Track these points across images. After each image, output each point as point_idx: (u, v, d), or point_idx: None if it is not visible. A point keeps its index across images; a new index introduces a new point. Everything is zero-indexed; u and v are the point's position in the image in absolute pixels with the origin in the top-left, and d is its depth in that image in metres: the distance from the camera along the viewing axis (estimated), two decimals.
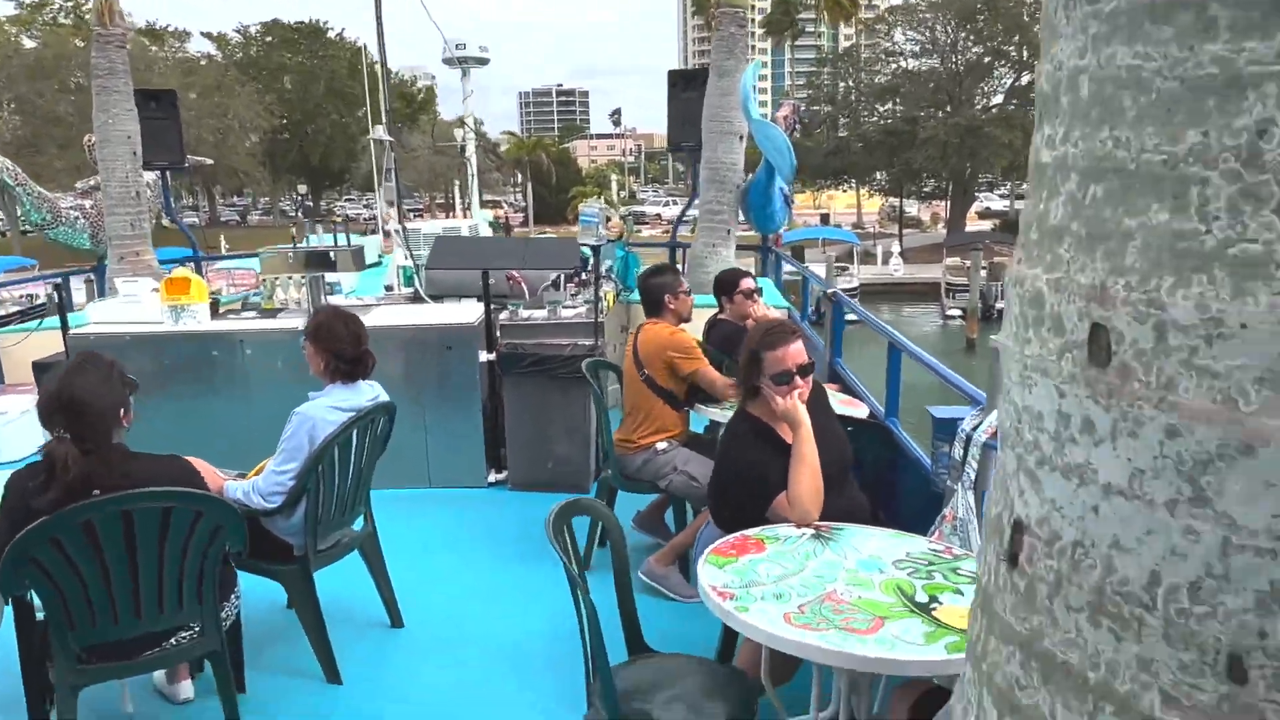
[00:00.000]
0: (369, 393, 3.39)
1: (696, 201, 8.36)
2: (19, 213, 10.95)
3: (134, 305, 5.40)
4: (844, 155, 39.70)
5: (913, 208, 58.19)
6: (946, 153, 34.28)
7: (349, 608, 3.77)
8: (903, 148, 36.27)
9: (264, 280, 6.07)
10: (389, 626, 3.70)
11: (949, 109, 36.44)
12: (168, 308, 5.26)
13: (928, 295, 34.39)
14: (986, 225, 48.10)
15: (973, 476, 2.92)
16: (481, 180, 13.61)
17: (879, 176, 39.70)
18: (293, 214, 55.45)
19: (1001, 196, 56.20)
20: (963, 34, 37.09)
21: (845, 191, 53.22)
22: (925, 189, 42.35)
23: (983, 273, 31.59)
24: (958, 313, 29.54)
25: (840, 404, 4.12)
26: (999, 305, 28.14)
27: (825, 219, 55.41)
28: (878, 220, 56.52)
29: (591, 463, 5.14)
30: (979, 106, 36.59)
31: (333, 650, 3.31)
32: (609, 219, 9.46)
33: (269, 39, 51.15)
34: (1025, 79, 36.20)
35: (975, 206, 48.30)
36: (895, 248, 36.08)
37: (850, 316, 5.64)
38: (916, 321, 30.08)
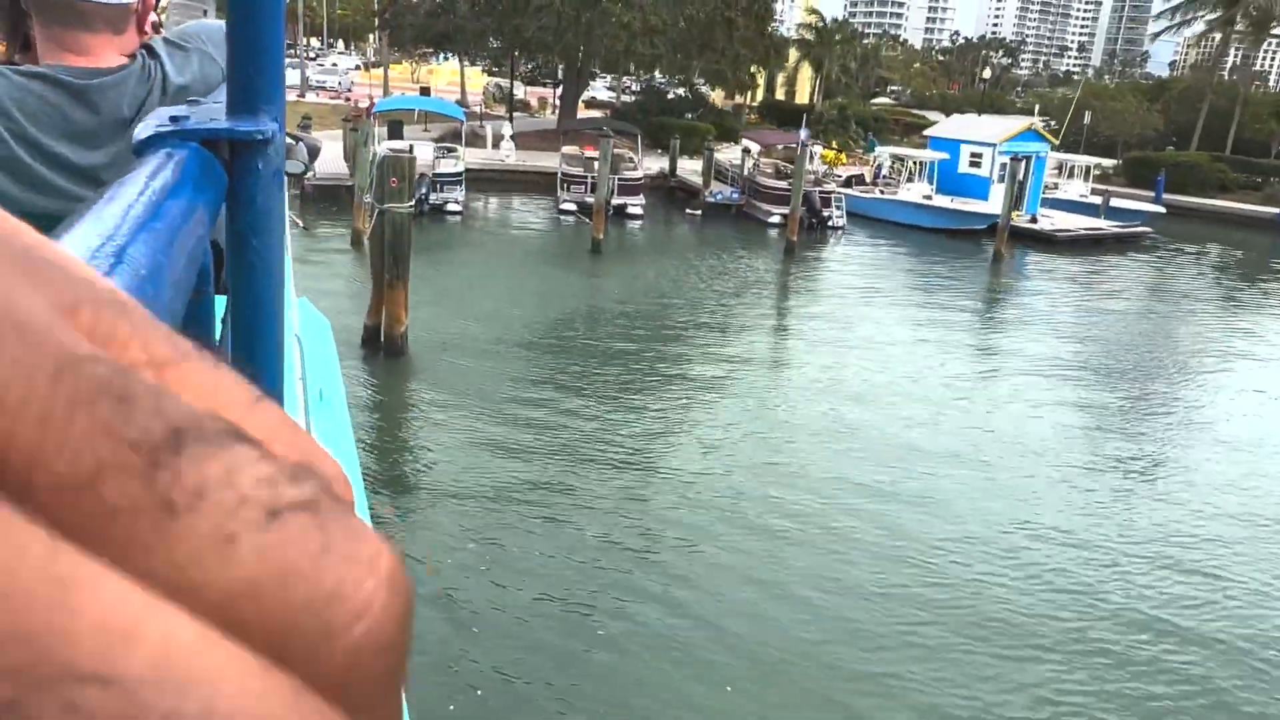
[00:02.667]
0: None
1: None
2: None
3: None
4: (449, 18, 34.53)
5: (519, 91, 54.57)
6: (561, 24, 30.72)
7: None
8: (515, 14, 32.08)
9: None
10: None
11: None
12: None
13: (541, 186, 31.19)
14: (596, 114, 46.01)
15: None
16: None
17: (491, 45, 35.22)
18: None
19: (608, 88, 54.59)
20: None
21: (447, 61, 47.79)
22: (534, 67, 38.74)
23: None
24: (572, 207, 26.64)
25: None
26: (621, 202, 25.64)
27: (426, 93, 49.79)
28: (483, 100, 52.10)
29: None
30: None
31: None
32: None
33: None
34: None
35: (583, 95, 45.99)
36: (506, 130, 32.28)
37: None
38: (527, 217, 26.69)
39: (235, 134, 0.78)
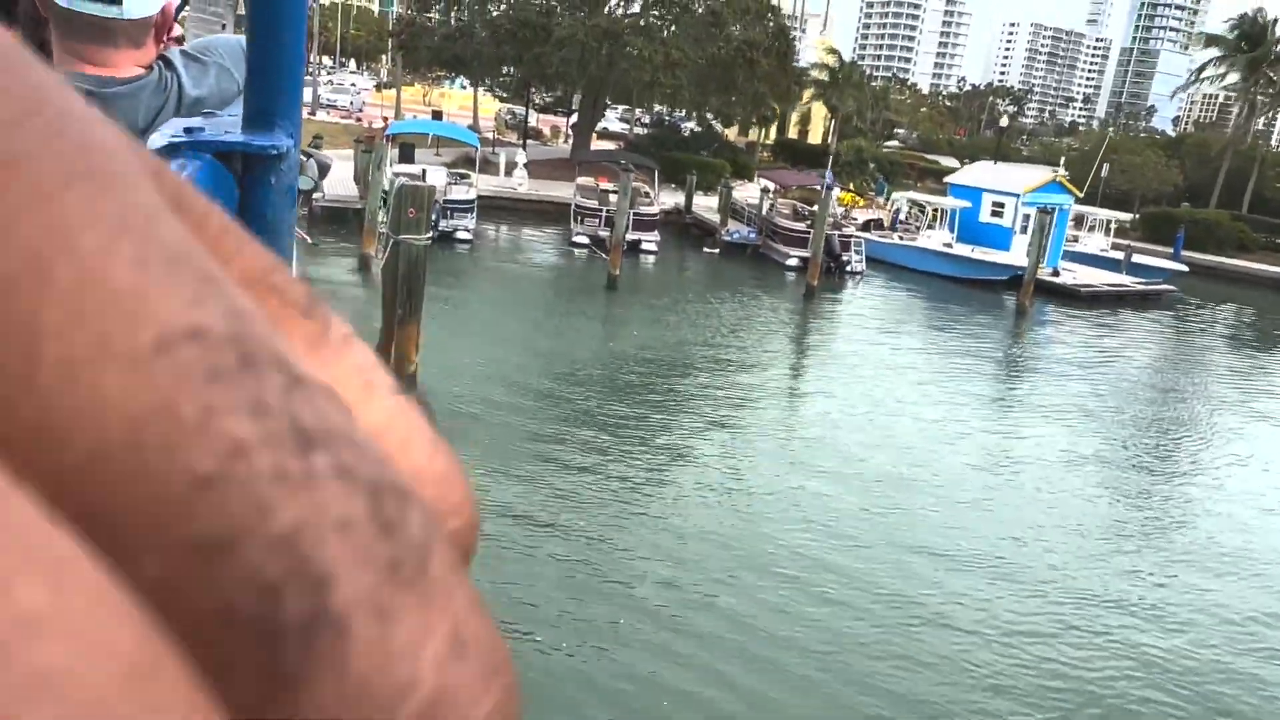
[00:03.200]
0: None
1: None
2: None
3: None
4: (467, 42, 34.09)
5: (531, 119, 54.21)
6: (585, 56, 30.24)
7: None
8: (536, 43, 31.61)
9: None
10: None
11: (585, 10, 32.35)
12: None
13: (553, 217, 30.57)
14: (609, 146, 45.56)
15: None
16: None
17: (507, 73, 34.72)
18: None
19: (620, 119, 54.26)
20: None
21: (464, 89, 47.41)
22: (553, 97, 38.27)
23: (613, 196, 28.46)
24: (585, 240, 25.96)
25: None
26: (636, 238, 24.98)
27: (439, 117, 49.38)
28: (494, 127, 51.71)
29: None
30: (618, 11, 32.95)
31: None
32: None
33: None
34: None
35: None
36: (520, 158, 31.67)
37: None
38: (539, 248, 26.01)
39: (250, 148, 0.78)
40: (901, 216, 31.86)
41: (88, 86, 1.67)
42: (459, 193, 25.20)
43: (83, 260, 0.12)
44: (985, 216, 29.61)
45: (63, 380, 0.11)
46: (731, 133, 43.86)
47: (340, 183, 27.48)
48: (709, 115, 37.73)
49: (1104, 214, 32.26)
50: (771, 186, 30.50)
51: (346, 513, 0.13)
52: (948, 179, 33.85)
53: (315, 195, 24.61)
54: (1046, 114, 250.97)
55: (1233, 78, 45.29)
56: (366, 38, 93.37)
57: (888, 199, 24.50)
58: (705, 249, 28.20)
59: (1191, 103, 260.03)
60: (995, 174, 31.67)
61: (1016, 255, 28.61)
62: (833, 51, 52.49)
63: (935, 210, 29.44)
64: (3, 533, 0.10)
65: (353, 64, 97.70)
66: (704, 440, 12.56)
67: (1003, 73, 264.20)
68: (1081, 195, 31.18)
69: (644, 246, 25.39)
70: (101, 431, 0.12)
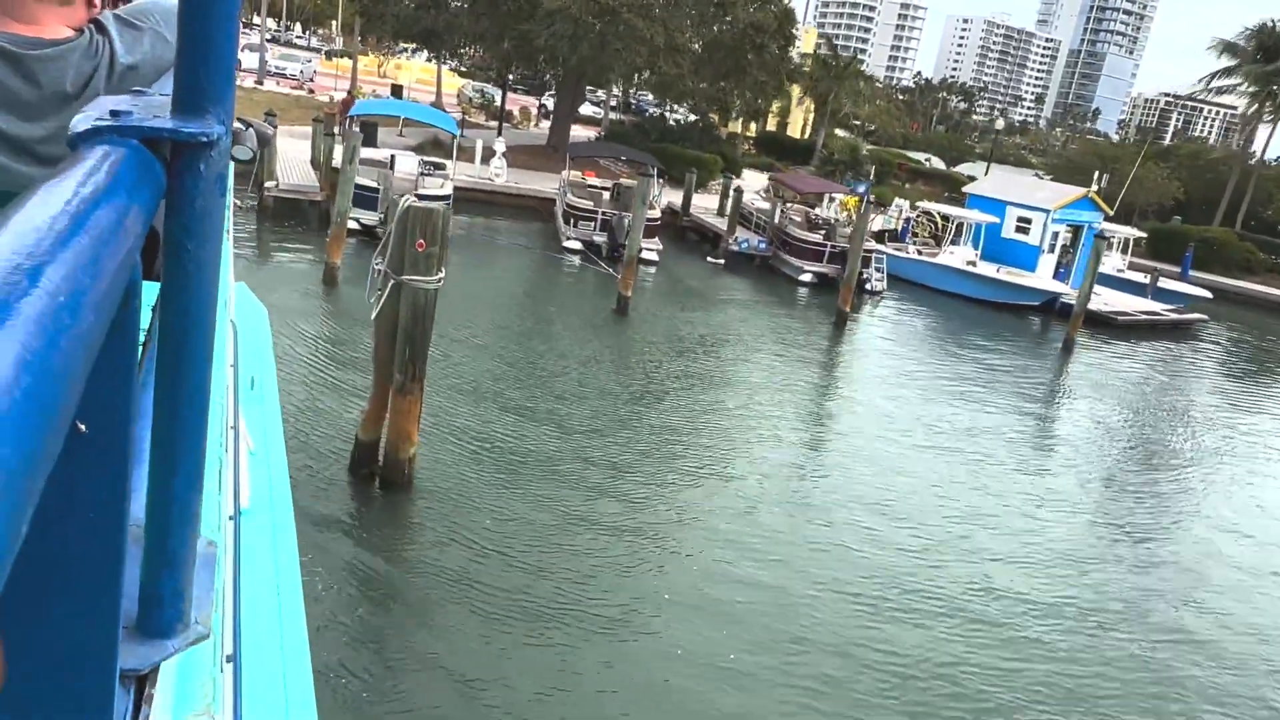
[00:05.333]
0: None
1: None
2: None
3: None
4: (442, 12, 30.40)
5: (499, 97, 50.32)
6: (578, 33, 26.85)
7: None
8: (521, 17, 28.11)
9: None
10: None
11: None
12: None
13: (534, 212, 27.26)
14: (587, 133, 42.13)
15: None
16: None
17: (492, 49, 31.06)
18: None
19: (594, 103, 50.72)
20: None
21: (429, 62, 43.45)
22: (530, 77, 34.74)
23: (604, 194, 25.25)
24: (578, 246, 22.77)
25: None
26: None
27: (398, 92, 45.35)
28: (460, 106, 47.80)
29: None
30: None
31: None
32: None
33: None
34: None
35: None
36: (499, 145, 28.21)
37: None
38: (526, 254, 22.67)
39: (179, 135, 0.75)
40: (910, 226, 29.25)
41: (13, 47, 1.60)
42: (432, 186, 21.77)
43: None
44: (1009, 232, 27.14)
45: None
46: (736, 125, 40.72)
47: (294, 165, 23.80)
48: (705, 105, 34.50)
49: (1125, 231, 30.04)
50: (758, 184, 27.65)
51: None
52: (966, 189, 31.29)
53: (268, 185, 21.00)
54: (997, 112, 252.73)
55: (1238, 86, 43.56)
56: (315, 1, 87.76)
57: (864, 203, 21.76)
58: (709, 259, 25.19)
59: (1134, 107, 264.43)
60: (1021, 187, 29.23)
61: (1045, 277, 26.25)
62: (829, 42, 49.67)
63: (951, 222, 26.83)
64: None
65: (299, 28, 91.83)
66: (742, 487, 9.68)
67: (954, 69, 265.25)
68: (1112, 212, 28.88)
69: (644, 255, 22.15)
70: None
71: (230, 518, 1.76)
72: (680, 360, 15.57)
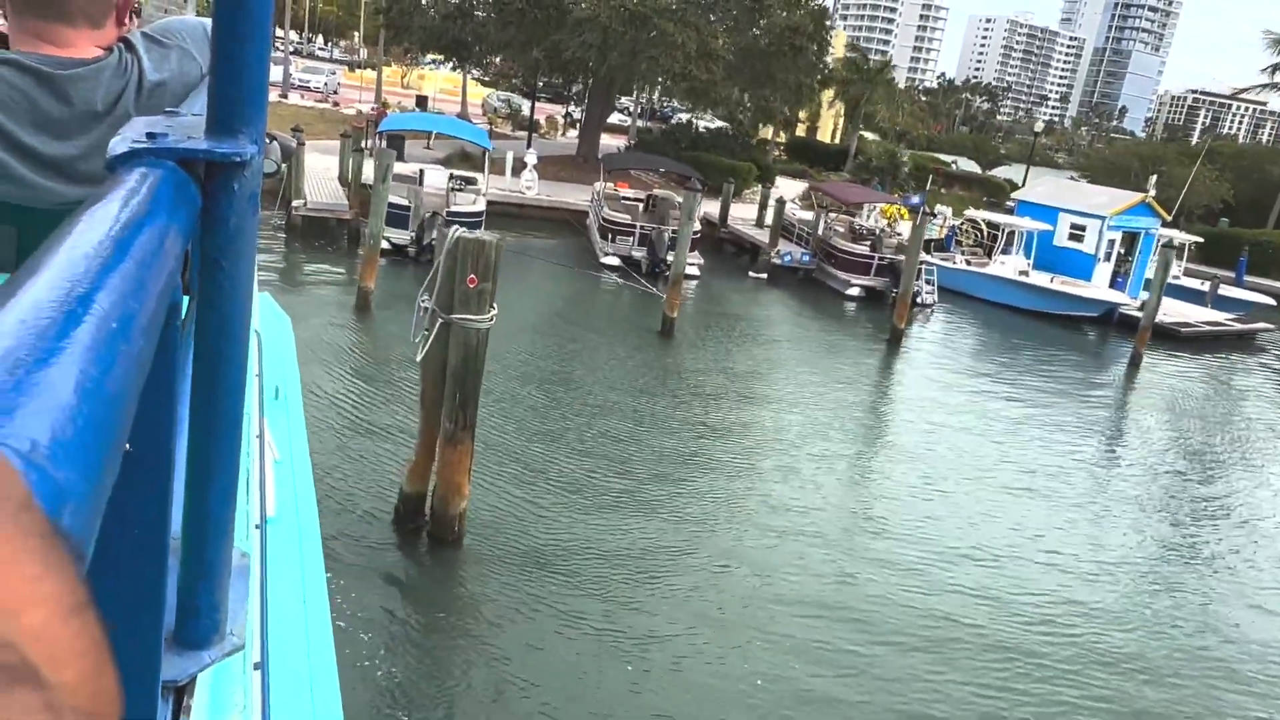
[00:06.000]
0: None
1: None
2: None
3: None
4: (469, 22, 29.68)
5: (526, 108, 49.61)
6: (608, 41, 26.01)
7: None
8: (550, 25, 27.32)
9: None
10: None
11: None
12: None
13: (568, 226, 26.43)
14: (615, 142, 41.31)
15: None
16: None
17: (521, 59, 30.26)
18: None
19: (620, 109, 49.88)
20: None
21: (454, 71, 42.83)
22: (557, 85, 33.97)
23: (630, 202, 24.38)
24: (616, 262, 21.92)
25: None
26: (671, 258, 20.98)
27: (422, 103, 44.79)
28: (485, 116, 47.17)
29: None
30: None
31: None
32: None
33: None
34: None
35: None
36: (530, 157, 27.41)
37: None
38: (561, 272, 21.81)
39: (213, 155, 0.77)
40: (955, 235, 28.17)
41: (45, 67, 1.62)
42: (464, 202, 20.99)
43: None
44: (1062, 240, 26.00)
45: None
46: (767, 131, 39.73)
47: (322, 182, 23.10)
48: (742, 112, 33.53)
49: (1181, 236, 28.78)
50: (797, 196, 26.69)
51: None
52: (1016, 195, 30.17)
53: (295, 204, 20.29)
54: (1035, 114, 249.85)
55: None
56: (338, 13, 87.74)
57: (919, 214, 20.69)
58: (750, 273, 24.23)
59: (1161, 105, 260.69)
60: (1075, 192, 28.06)
61: (1101, 287, 25.11)
62: (857, 49, 48.59)
63: (999, 230, 25.71)
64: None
65: (320, 40, 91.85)
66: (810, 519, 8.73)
67: (977, 69, 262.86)
68: (1170, 218, 27.66)
69: (685, 270, 21.23)
70: None
71: (257, 526, 1.80)
72: (734, 388, 14.63)
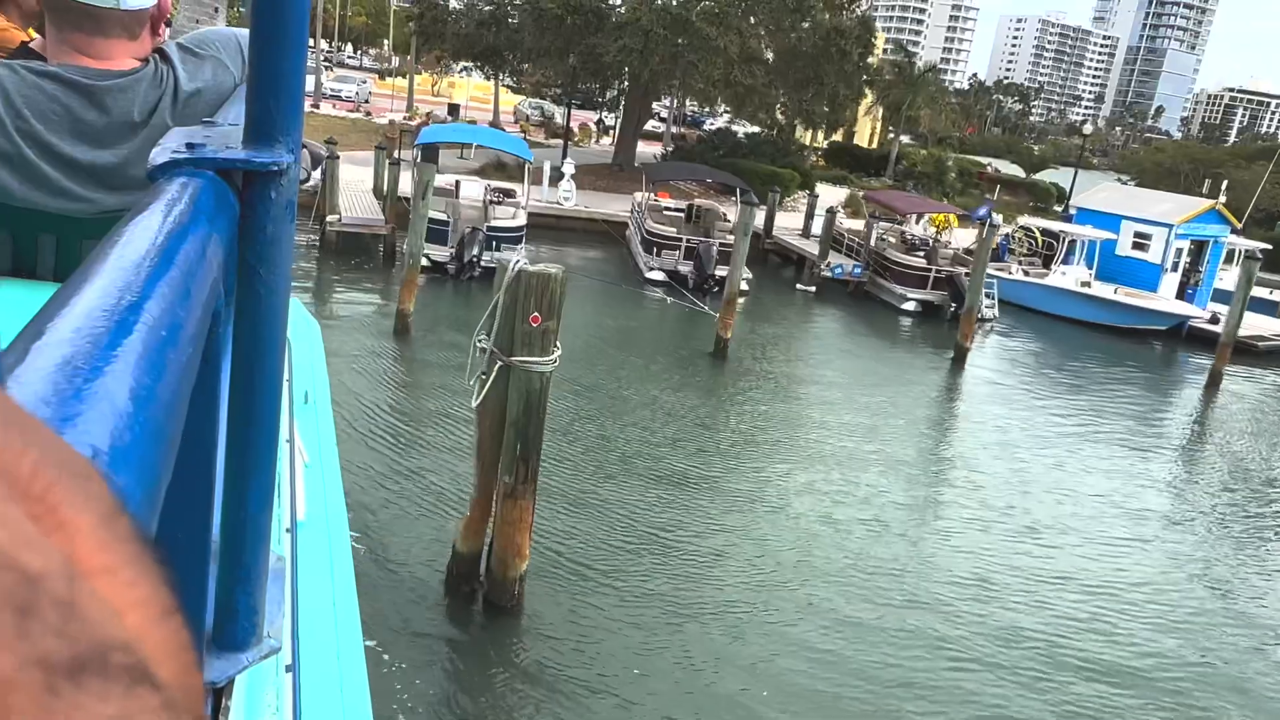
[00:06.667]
0: None
1: None
2: None
3: None
4: (503, 30, 28.93)
5: (558, 115, 48.86)
6: (650, 45, 25.14)
7: None
8: (588, 31, 26.50)
9: None
10: None
11: None
12: None
13: (608, 238, 25.57)
14: (650, 149, 40.45)
15: None
16: None
17: (557, 65, 29.44)
18: None
19: (659, 118, 49.04)
20: None
21: (486, 79, 42.17)
22: (597, 89, 33.11)
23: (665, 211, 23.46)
24: (660, 276, 21.02)
25: None
26: (721, 273, 20.06)
27: (455, 111, 44.20)
28: (517, 124, 46.48)
29: None
30: None
31: None
32: None
33: None
34: None
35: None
36: (568, 167, 26.59)
37: None
38: (605, 288, 20.94)
39: (251, 165, 0.79)
40: (1009, 244, 26.98)
41: (83, 79, 1.66)
42: (504, 216, 20.17)
43: None
44: (1125, 249, 24.77)
45: None
46: (805, 136, 38.63)
47: (356, 195, 22.38)
48: (786, 117, 32.52)
49: (1246, 244, 27.40)
50: (840, 203, 25.59)
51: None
52: (1075, 202, 28.92)
53: (330, 219, 19.57)
54: (1054, 113, 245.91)
55: None
56: (366, 21, 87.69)
57: (985, 228, 19.54)
58: (799, 285, 23.23)
59: (1197, 104, 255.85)
60: (1138, 199, 26.79)
61: (1169, 298, 23.86)
62: (901, 49, 47.32)
63: (1068, 240, 24.51)
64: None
65: (349, 49, 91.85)
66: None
67: (1008, 69, 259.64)
68: (1240, 224, 26.33)
69: None
70: None
71: (288, 530, 1.83)
72: (799, 418, 13.65)
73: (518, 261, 7.14)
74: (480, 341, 7.27)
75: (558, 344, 7.26)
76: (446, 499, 9.04)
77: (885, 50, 49.11)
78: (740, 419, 13.16)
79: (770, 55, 26.99)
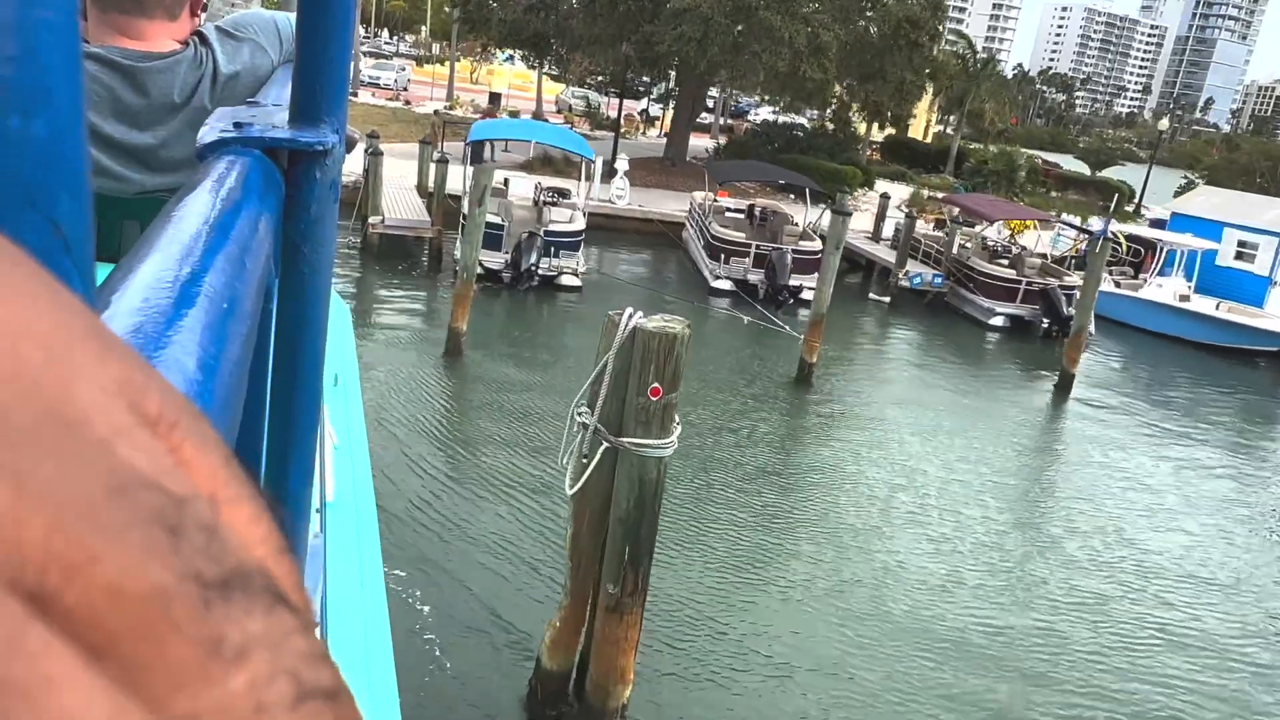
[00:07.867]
0: None
1: None
2: None
3: None
4: (552, 17, 27.32)
5: (602, 104, 47.23)
6: (710, 33, 23.42)
7: None
8: (643, 18, 24.83)
9: None
10: None
11: None
12: None
13: (664, 239, 23.97)
14: (701, 142, 38.70)
15: None
16: None
17: (611, 54, 27.74)
18: None
19: (707, 109, 47.20)
20: None
21: (529, 65, 40.53)
22: (652, 80, 31.44)
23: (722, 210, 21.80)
24: (728, 286, 19.38)
25: None
26: (796, 284, 18.40)
27: (496, 100, 42.68)
28: (560, 114, 44.92)
29: None
30: None
31: None
32: None
33: None
34: None
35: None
36: (621, 164, 24.98)
37: None
38: (668, 299, 19.30)
39: (297, 144, 0.79)
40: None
41: (124, 60, 1.66)
42: (561, 219, 18.58)
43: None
44: (1227, 259, 22.77)
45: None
46: (875, 130, 36.72)
47: (400, 194, 20.88)
48: (852, 111, 30.70)
49: None
50: (902, 202, 23.77)
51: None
52: (1171, 208, 26.89)
53: (373, 221, 18.10)
54: (1100, 104, 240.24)
55: None
56: (402, 6, 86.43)
57: (1099, 242, 17.57)
58: (873, 295, 21.49)
59: (1247, 95, 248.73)
60: (1242, 204, 24.71)
61: (1278, 315, 21.87)
62: (963, 37, 45.18)
63: (1164, 249, 22.55)
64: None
65: (385, 34, 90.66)
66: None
67: (1053, 59, 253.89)
68: None
69: (805, 295, 18.36)
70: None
71: (317, 510, 1.78)
72: (905, 462, 11.96)
73: (633, 315, 5.55)
74: (581, 415, 5.71)
75: (677, 421, 5.69)
76: (529, 590, 7.49)
77: (947, 41, 47.04)
78: (840, 464, 11.48)
79: (838, 44, 25.12)
